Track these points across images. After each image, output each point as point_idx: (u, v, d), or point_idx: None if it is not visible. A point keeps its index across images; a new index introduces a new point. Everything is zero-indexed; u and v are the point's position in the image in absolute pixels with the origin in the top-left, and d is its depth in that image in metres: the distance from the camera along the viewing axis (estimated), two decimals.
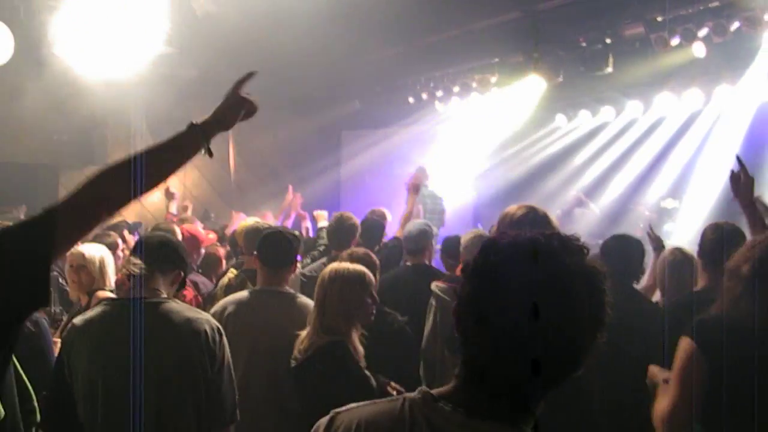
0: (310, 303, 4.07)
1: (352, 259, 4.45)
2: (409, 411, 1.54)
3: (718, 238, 4.20)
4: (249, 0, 8.31)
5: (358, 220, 6.43)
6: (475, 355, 1.52)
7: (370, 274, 3.91)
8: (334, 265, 3.94)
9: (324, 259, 6.18)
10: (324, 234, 6.91)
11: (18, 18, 8.60)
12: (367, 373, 3.66)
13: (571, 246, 1.52)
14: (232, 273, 5.69)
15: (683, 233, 10.04)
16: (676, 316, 3.84)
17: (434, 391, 1.55)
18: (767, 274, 2.88)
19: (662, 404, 2.99)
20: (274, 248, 4.34)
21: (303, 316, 3.95)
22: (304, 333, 3.78)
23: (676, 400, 2.93)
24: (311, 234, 8.25)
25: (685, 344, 2.96)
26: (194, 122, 2.42)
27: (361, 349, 3.71)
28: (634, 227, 10.46)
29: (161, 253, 3.40)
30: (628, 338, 3.99)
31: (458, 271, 5.12)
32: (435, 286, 5.01)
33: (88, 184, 2.02)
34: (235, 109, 2.55)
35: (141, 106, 11.65)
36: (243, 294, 4.39)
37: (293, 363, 3.71)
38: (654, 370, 3.57)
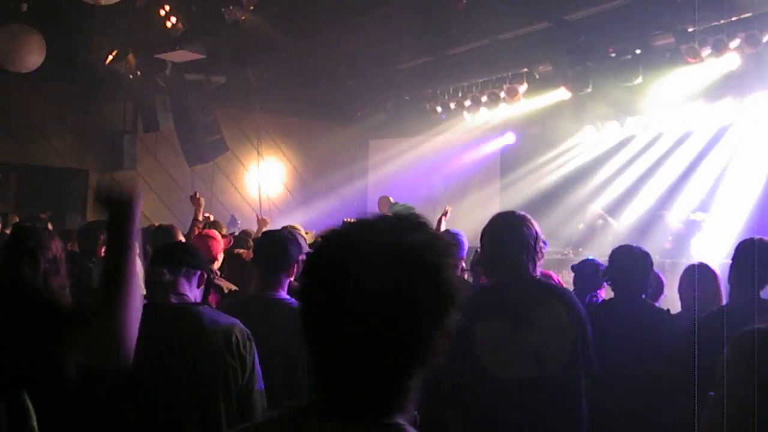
0: None
1: None
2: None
3: (751, 254, 4.13)
4: (278, 8, 8.35)
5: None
6: (318, 360, 1.41)
7: None
8: None
9: None
10: None
11: (51, 24, 8.71)
12: None
13: (397, 224, 1.42)
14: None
15: (712, 246, 9.93)
16: (710, 331, 3.77)
17: (301, 406, 1.43)
18: None
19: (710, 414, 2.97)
20: (267, 250, 4.10)
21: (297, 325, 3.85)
22: None
23: (720, 410, 2.91)
24: None
25: (731, 354, 2.93)
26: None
27: None
28: (663, 240, 10.36)
29: (177, 256, 3.35)
30: (637, 349, 3.95)
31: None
32: None
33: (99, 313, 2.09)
34: (113, 213, 2.22)
35: (170, 112, 11.74)
36: (233, 301, 4.25)
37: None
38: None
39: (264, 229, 7.97)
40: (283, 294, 4.00)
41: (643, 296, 4.51)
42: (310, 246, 6.08)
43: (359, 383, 1.37)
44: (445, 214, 7.97)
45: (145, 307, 3.31)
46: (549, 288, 3.56)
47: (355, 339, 1.34)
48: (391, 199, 12.51)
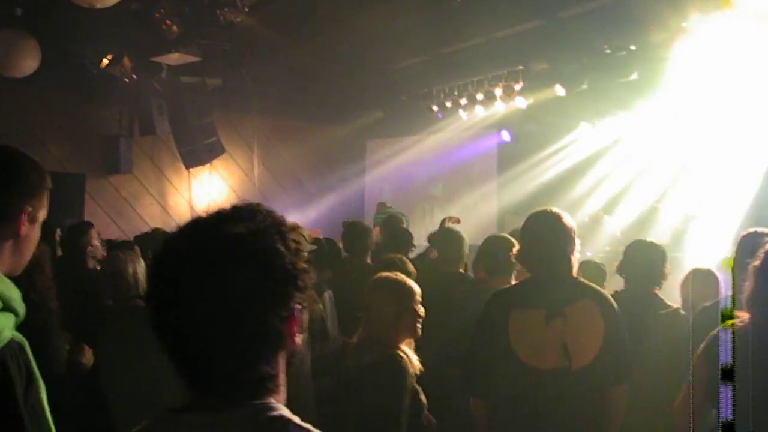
0: None
1: (384, 264, 4.39)
2: None
3: (751, 247, 4.16)
4: (273, 9, 8.35)
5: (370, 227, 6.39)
6: (178, 357, 1.43)
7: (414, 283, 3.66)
8: (382, 274, 3.72)
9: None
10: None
11: (46, 29, 8.71)
12: (418, 387, 3.52)
13: (226, 216, 1.45)
14: None
15: (710, 240, 9.95)
16: (704, 323, 3.80)
17: (174, 407, 1.46)
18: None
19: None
20: None
21: None
22: (353, 342, 3.65)
23: (684, 392, 3.02)
24: None
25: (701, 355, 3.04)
26: None
27: (417, 364, 3.49)
28: (661, 235, 10.37)
29: None
30: (648, 342, 3.99)
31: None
32: None
33: None
34: None
35: (166, 115, 11.75)
36: None
37: (345, 373, 3.58)
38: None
39: None
40: None
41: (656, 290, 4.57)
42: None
43: (218, 375, 1.40)
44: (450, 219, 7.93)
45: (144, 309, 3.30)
46: (584, 286, 3.61)
47: (201, 333, 1.37)
48: (388, 204, 12.56)
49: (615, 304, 3.56)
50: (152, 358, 3.08)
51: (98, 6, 6.95)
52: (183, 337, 1.40)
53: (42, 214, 2.21)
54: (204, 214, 1.47)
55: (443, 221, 7.63)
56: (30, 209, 2.13)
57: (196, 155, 11.80)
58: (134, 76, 10.19)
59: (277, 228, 1.46)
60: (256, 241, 1.41)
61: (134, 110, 12.17)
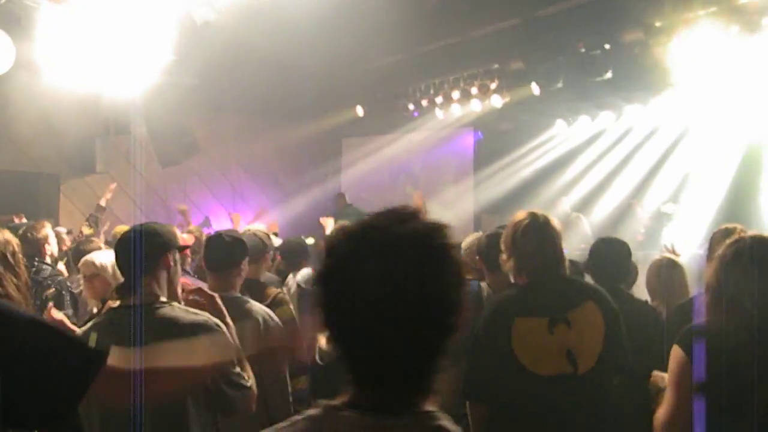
0: (258, 308, 4.02)
1: None
2: (314, 427, 1.49)
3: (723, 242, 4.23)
4: (249, 8, 8.33)
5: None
6: (351, 354, 1.47)
7: None
8: None
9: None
10: None
11: (19, 27, 8.63)
12: None
13: (401, 216, 1.48)
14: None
15: (684, 237, 10.05)
16: (678, 321, 3.85)
17: (335, 402, 1.49)
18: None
19: (661, 411, 3.04)
20: (214, 252, 4.17)
21: (252, 321, 3.88)
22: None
23: (672, 408, 2.98)
24: None
25: (675, 352, 3.00)
26: None
27: None
28: (635, 233, 10.47)
29: (131, 254, 3.23)
30: None
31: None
32: None
33: None
34: None
35: (142, 115, 11.68)
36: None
37: (320, 361, 3.64)
38: (658, 376, 3.62)
39: (237, 227, 8.01)
40: (235, 293, 4.09)
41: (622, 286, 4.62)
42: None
43: (390, 377, 1.44)
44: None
45: (117, 310, 3.27)
46: (585, 287, 3.69)
47: (382, 329, 1.40)
48: (347, 198, 12.57)
49: (613, 302, 3.62)
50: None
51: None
52: (365, 333, 1.42)
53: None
54: (375, 217, 1.50)
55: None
56: None
57: (172, 154, 11.74)
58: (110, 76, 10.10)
59: (439, 226, 1.51)
60: (424, 236, 1.46)
61: (110, 109, 12.09)
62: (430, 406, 1.47)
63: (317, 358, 3.80)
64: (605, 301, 3.58)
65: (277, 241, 7.28)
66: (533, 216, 3.59)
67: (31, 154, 11.54)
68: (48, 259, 6.28)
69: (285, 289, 5.45)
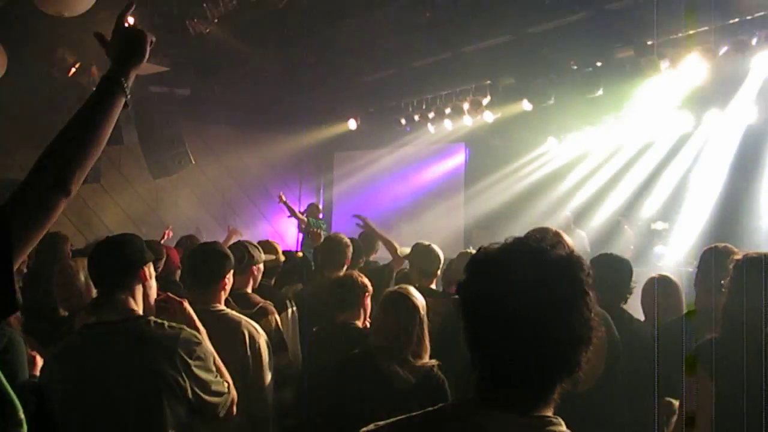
0: (243, 320, 3.97)
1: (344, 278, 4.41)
2: (457, 418, 1.63)
3: (713, 261, 4.25)
4: (242, 20, 8.36)
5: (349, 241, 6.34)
6: (494, 357, 1.62)
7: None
8: (413, 291, 3.94)
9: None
10: None
11: (13, 36, 8.63)
12: None
13: (549, 240, 1.66)
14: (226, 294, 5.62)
15: (674, 255, 10.10)
16: (671, 338, 3.86)
17: (472, 398, 1.64)
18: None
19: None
20: (195, 264, 4.13)
21: (233, 334, 3.85)
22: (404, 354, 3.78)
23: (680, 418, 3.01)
24: None
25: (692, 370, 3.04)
26: (105, 75, 2.16)
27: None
28: (625, 249, 10.50)
29: (106, 268, 3.17)
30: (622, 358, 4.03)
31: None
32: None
33: (32, 172, 1.95)
34: (130, 40, 2.26)
35: (134, 124, 11.68)
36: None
37: (399, 384, 3.67)
38: (668, 401, 3.65)
39: (233, 240, 7.98)
40: (219, 306, 4.02)
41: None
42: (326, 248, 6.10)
43: (527, 380, 1.60)
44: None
45: (91, 328, 3.22)
46: None
47: (525, 341, 1.56)
48: (320, 207, 12.59)
49: (612, 325, 3.63)
50: (107, 384, 3.04)
51: (66, 14, 6.91)
52: (506, 341, 1.58)
53: None
54: (528, 240, 1.67)
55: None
56: None
57: (164, 166, 11.73)
58: None
59: (577, 256, 1.68)
60: (574, 261, 1.64)
61: None
62: (549, 412, 1.63)
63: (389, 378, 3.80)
64: (608, 327, 3.58)
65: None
66: (538, 230, 3.60)
67: (21, 162, 11.51)
68: None
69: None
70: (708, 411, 2.99)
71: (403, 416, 1.70)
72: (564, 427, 1.62)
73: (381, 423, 1.70)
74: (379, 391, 3.61)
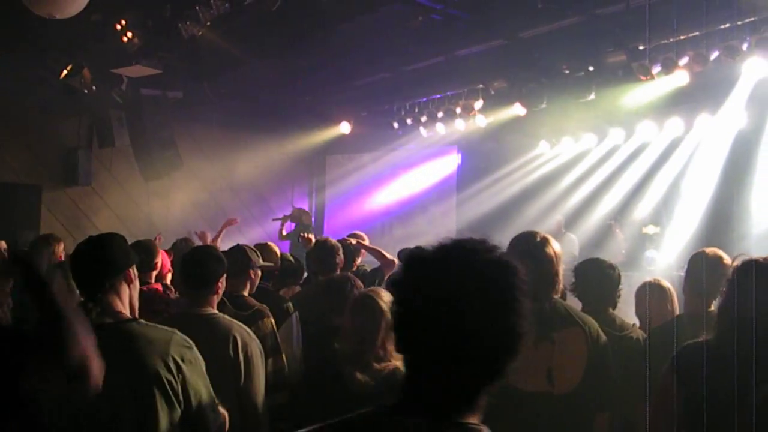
0: (235, 324, 3.95)
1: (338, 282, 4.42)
2: (365, 425, 1.59)
3: (702, 266, 4.25)
4: (235, 24, 8.35)
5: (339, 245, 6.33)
6: (414, 359, 1.57)
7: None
8: (383, 295, 3.85)
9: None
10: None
11: (5, 38, 8.61)
12: None
13: (481, 245, 1.60)
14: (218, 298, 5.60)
15: (665, 259, 10.12)
16: (660, 342, 3.87)
17: (389, 404, 1.58)
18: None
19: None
20: (190, 269, 4.10)
21: (224, 338, 3.83)
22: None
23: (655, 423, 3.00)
24: None
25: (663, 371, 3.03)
26: None
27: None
28: (616, 254, 10.51)
29: (91, 271, 3.11)
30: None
31: None
32: None
33: None
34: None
35: (126, 127, 11.66)
36: (160, 319, 3.98)
37: (359, 389, 3.66)
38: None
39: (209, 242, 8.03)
40: (211, 310, 4.01)
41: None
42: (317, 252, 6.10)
43: (447, 385, 1.54)
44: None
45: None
46: (572, 314, 3.67)
47: (447, 345, 1.50)
48: (306, 209, 12.58)
49: (601, 333, 3.62)
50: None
51: (58, 16, 6.89)
52: (428, 346, 1.52)
53: None
54: (460, 241, 1.62)
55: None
56: None
57: (156, 168, 11.71)
58: (94, 88, 10.09)
59: (504, 258, 1.60)
60: (502, 265, 1.57)
61: (93, 122, 12.06)
62: (474, 420, 1.57)
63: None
64: (592, 330, 3.57)
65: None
66: (525, 234, 3.64)
67: (13, 164, 11.48)
68: None
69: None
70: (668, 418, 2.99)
71: (319, 424, 1.67)
72: None
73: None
74: (339, 396, 3.58)
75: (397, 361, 3.73)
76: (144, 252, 5.56)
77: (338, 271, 5.97)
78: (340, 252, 6.15)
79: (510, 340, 1.53)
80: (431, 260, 1.57)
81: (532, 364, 3.39)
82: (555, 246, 3.62)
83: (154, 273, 5.57)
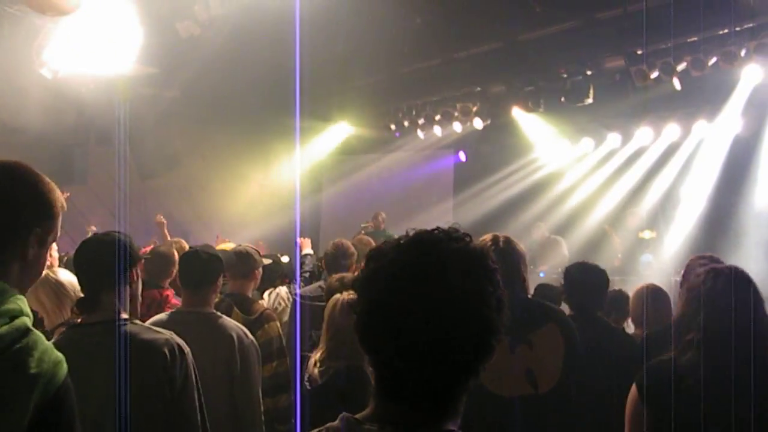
0: (232, 323, 3.99)
1: (343, 284, 4.42)
2: None
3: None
4: (233, 23, 8.35)
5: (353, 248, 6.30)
6: (382, 366, 1.48)
7: None
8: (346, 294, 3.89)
9: (321, 282, 6.08)
10: (308, 260, 6.88)
11: (0, 36, 8.59)
12: None
13: (453, 234, 1.50)
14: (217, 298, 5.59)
15: (661, 264, 10.11)
16: (655, 347, 3.85)
17: (357, 415, 1.48)
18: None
19: None
20: (190, 268, 4.12)
21: (225, 337, 3.86)
22: (316, 356, 3.77)
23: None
24: None
25: (631, 391, 3.02)
26: None
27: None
28: (612, 258, 10.51)
29: (93, 269, 3.13)
30: (591, 365, 4.02)
31: None
32: None
33: None
34: None
35: (123, 125, 11.63)
36: (161, 317, 4.13)
37: (308, 385, 3.69)
38: None
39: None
40: (209, 309, 4.05)
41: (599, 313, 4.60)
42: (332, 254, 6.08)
43: (421, 385, 1.43)
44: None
45: (71, 329, 3.18)
46: (545, 308, 3.68)
47: (421, 344, 1.40)
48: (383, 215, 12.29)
49: (572, 324, 3.62)
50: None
51: (55, 15, 6.89)
52: (401, 348, 1.42)
53: (52, 238, 2.13)
54: (425, 232, 1.51)
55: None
56: (39, 231, 2.05)
57: (153, 167, 11.70)
58: (91, 86, 10.08)
59: (477, 248, 1.51)
60: (475, 255, 1.48)
61: (90, 120, 12.04)
62: (452, 425, 1.47)
63: (306, 382, 3.79)
64: (566, 323, 3.59)
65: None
66: (495, 238, 3.60)
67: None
68: None
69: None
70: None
71: None
72: None
73: None
74: (302, 393, 3.70)
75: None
76: (161, 259, 5.58)
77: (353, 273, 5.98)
78: (355, 256, 6.14)
79: (484, 333, 1.45)
80: (395, 255, 1.47)
81: (510, 369, 3.37)
82: (519, 245, 3.66)
83: (168, 280, 5.59)
